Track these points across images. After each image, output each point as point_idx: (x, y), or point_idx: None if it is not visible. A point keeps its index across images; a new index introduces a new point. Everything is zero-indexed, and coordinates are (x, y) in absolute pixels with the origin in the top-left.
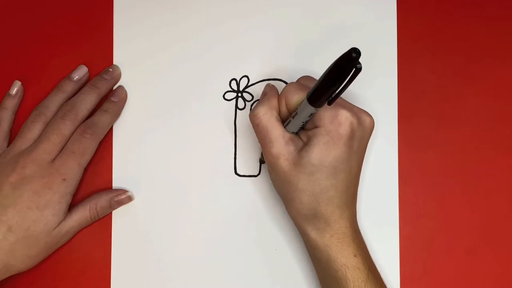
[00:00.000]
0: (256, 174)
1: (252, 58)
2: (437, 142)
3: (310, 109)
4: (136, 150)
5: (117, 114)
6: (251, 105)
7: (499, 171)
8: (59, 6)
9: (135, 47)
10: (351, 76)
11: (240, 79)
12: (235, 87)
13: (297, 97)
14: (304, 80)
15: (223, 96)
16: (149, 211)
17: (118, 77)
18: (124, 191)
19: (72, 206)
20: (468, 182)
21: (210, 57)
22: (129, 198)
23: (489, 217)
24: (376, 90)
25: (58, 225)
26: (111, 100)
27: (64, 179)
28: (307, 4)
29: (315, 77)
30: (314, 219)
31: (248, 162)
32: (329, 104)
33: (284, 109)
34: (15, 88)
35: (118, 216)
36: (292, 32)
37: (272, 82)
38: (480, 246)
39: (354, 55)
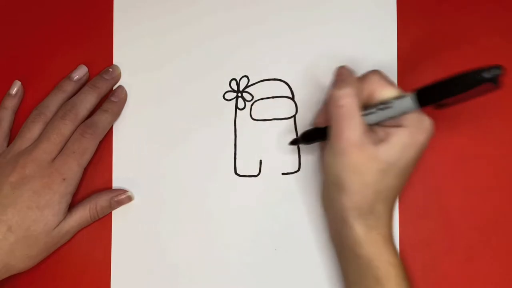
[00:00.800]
0: (256, 174)
1: (252, 58)
2: (437, 142)
3: (411, 107)
4: (136, 150)
5: (117, 114)
6: (251, 105)
7: (499, 171)
8: (59, 6)
9: (135, 47)
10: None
11: (240, 79)
12: (235, 87)
13: (388, 92)
14: (382, 73)
15: (223, 96)
16: (149, 211)
17: (118, 77)
18: (124, 191)
19: (72, 206)
20: (468, 182)
21: (210, 57)
22: (129, 198)
23: (489, 217)
24: None
25: (58, 225)
26: (111, 100)
27: (64, 179)
28: (307, 4)
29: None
30: (367, 214)
31: (248, 162)
32: (438, 108)
33: (364, 98)
34: (15, 88)
35: (118, 216)
36: (292, 32)
37: (272, 82)
38: (480, 246)
39: (486, 75)
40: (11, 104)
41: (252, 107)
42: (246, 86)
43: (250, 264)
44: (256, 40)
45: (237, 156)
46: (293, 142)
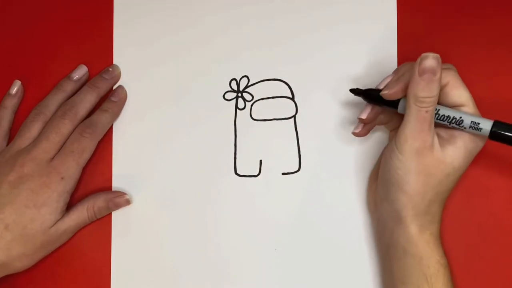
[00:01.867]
0: (256, 174)
1: (252, 58)
2: None
3: (483, 132)
4: (135, 150)
5: (116, 114)
6: (251, 105)
7: (499, 171)
8: (59, 6)
9: (135, 47)
10: None
11: (240, 79)
12: (235, 87)
13: (461, 93)
14: (457, 73)
15: (223, 96)
16: (149, 211)
17: (118, 77)
18: (122, 193)
19: (70, 205)
20: (468, 182)
21: (210, 57)
22: (127, 202)
23: (489, 217)
24: None
25: (55, 224)
26: (111, 99)
27: (62, 178)
28: (307, 3)
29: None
30: (424, 215)
31: (248, 162)
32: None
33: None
34: (15, 87)
35: (118, 216)
36: (292, 31)
37: (272, 82)
38: (480, 246)
39: None
40: (11, 103)
41: (252, 107)
42: (246, 86)
43: (250, 264)
44: (256, 40)
45: (237, 156)
46: (354, 90)
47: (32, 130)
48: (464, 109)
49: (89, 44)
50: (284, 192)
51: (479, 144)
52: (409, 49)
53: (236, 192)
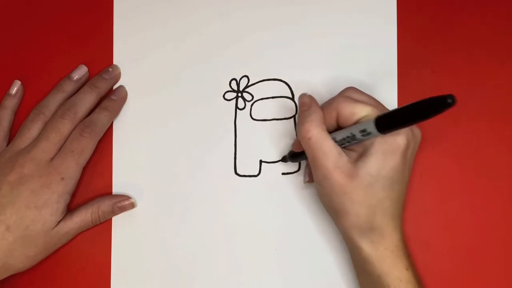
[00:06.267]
0: (256, 174)
1: (252, 58)
2: (437, 142)
3: (374, 133)
4: (135, 150)
5: (116, 113)
6: (251, 105)
7: (499, 171)
8: (59, 6)
9: (135, 47)
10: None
11: (240, 79)
12: (235, 87)
13: (354, 112)
14: (351, 92)
15: (223, 96)
16: (148, 211)
17: (117, 77)
18: (127, 197)
19: (74, 208)
20: (468, 182)
21: (210, 57)
22: (132, 205)
23: (489, 217)
24: (376, 90)
25: (57, 225)
26: (111, 98)
27: (62, 178)
28: (307, 3)
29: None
30: (369, 231)
31: (248, 162)
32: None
33: (333, 121)
34: (15, 87)
35: (118, 216)
36: (292, 32)
37: (272, 82)
38: (480, 246)
39: (449, 101)
40: (11, 103)
41: (252, 107)
42: (246, 86)
43: (250, 264)
44: (256, 40)
45: (237, 156)
46: (283, 159)
47: (32, 130)
48: (368, 117)
49: (89, 44)
50: (284, 192)
51: (396, 143)
52: (409, 49)
53: (236, 192)
